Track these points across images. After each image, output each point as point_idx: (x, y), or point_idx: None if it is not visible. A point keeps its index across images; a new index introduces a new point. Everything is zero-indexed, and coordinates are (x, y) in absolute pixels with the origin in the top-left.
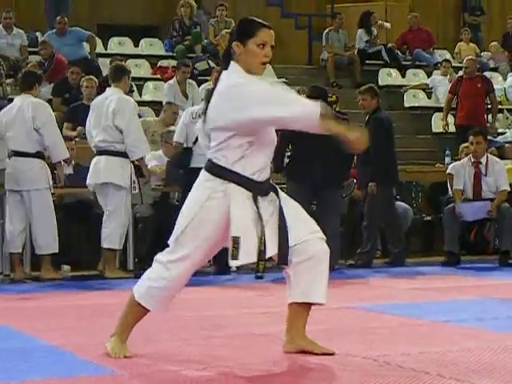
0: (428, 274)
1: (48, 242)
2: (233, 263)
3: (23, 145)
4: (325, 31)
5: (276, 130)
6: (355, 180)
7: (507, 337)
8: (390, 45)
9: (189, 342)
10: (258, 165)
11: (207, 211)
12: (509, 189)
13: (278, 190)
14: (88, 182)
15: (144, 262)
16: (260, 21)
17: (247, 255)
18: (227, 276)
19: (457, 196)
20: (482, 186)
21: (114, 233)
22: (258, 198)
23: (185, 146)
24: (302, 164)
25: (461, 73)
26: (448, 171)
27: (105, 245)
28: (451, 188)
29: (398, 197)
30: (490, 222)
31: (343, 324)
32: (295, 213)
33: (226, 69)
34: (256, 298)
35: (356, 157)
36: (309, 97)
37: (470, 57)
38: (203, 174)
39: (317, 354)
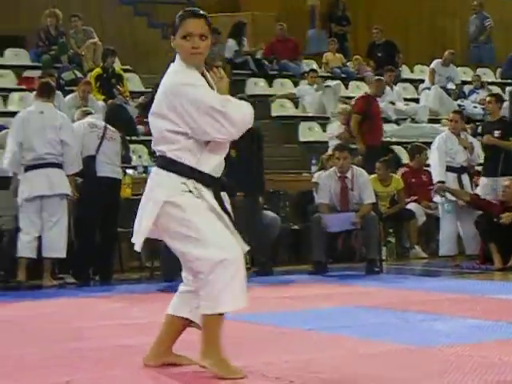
0: (296, 282)
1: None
2: None
3: None
4: None
5: None
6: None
7: (373, 343)
8: (257, 55)
9: (53, 354)
10: (215, 162)
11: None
12: (373, 201)
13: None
14: None
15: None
16: (190, 10)
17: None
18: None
19: (322, 208)
20: (348, 199)
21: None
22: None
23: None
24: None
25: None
26: (314, 180)
27: (50, 254)
28: (317, 195)
29: (265, 206)
30: (357, 231)
31: None
32: None
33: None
34: (121, 309)
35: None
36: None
37: (377, 77)
38: (156, 171)
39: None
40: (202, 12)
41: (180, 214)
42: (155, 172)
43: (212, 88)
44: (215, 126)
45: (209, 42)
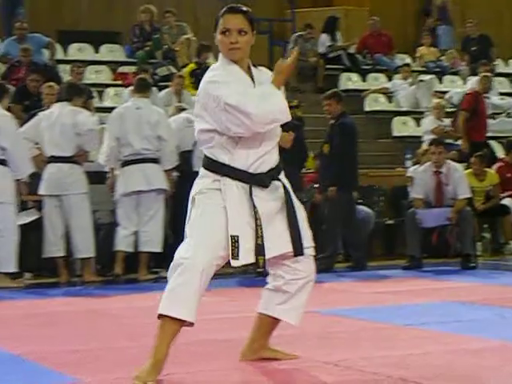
0: (390, 277)
1: (87, 245)
2: (234, 263)
3: (62, 149)
4: (292, 36)
5: None
6: (316, 184)
7: (468, 339)
8: (350, 50)
9: (149, 349)
10: (250, 157)
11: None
12: (468, 195)
13: (286, 183)
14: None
15: (107, 268)
16: (230, 6)
17: (247, 254)
18: None
19: (416, 203)
20: (443, 194)
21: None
22: (256, 189)
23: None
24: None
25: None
26: (409, 174)
27: (146, 248)
28: (412, 190)
29: (360, 201)
30: (452, 226)
31: (305, 329)
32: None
33: None
34: (216, 304)
35: (319, 161)
36: None
37: (484, 74)
38: (200, 171)
39: (279, 359)
40: (242, 8)
41: (193, 211)
42: (200, 171)
43: (254, 83)
44: (234, 122)
45: (249, 37)
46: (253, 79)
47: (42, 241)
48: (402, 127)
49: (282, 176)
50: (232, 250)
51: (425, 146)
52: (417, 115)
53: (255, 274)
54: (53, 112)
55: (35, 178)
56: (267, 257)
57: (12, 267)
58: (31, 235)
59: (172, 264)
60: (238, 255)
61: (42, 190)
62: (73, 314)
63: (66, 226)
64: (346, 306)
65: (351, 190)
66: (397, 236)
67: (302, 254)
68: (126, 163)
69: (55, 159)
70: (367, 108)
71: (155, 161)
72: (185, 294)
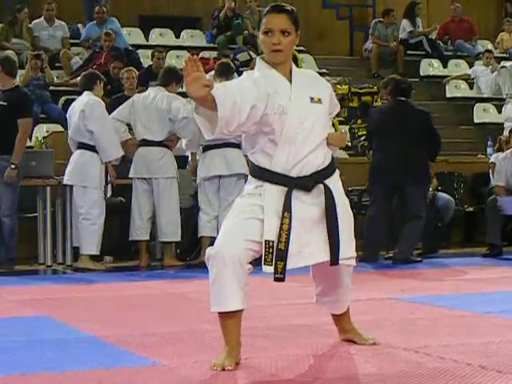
0: (470, 265)
1: (173, 229)
2: (266, 269)
3: (154, 134)
4: (372, 22)
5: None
6: None
7: None
8: (431, 35)
9: None
10: (290, 160)
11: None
12: None
13: (331, 189)
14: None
15: (186, 253)
16: (274, 5)
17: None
18: None
19: (498, 190)
20: None
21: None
22: (299, 192)
23: None
24: (381, 163)
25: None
26: (491, 161)
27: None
28: (493, 177)
29: (440, 188)
30: None
31: (385, 315)
32: (341, 225)
33: None
34: (294, 289)
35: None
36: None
37: None
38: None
39: (358, 344)
40: (286, 7)
41: (230, 211)
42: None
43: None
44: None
45: (292, 38)
46: (291, 82)
47: (126, 225)
48: (483, 114)
49: (331, 179)
50: (265, 255)
51: (506, 133)
52: (498, 102)
53: (274, 279)
54: (148, 96)
55: (125, 162)
56: (297, 265)
57: (94, 250)
58: (112, 220)
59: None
60: (271, 261)
61: (131, 173)
62: (152, 298)
63: (153, 209)
64: (425, 293)
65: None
66: (477, 223)
67: (337, 263)
68: (207, 148)
69: (146, 142)
70: (448, 94)
71: (236, 145)
72: (222, 287)
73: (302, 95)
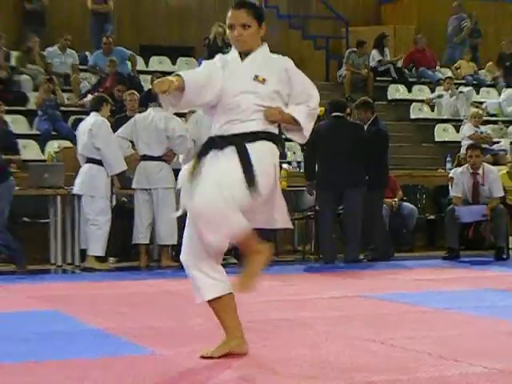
0: (431, 266)
1: (170, 234)
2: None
3: (153, 150)
4: (346, 51)
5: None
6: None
7: (501, 322)
8: (398, 64)
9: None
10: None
11: None
12: (502, 194)
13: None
14: None
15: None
16: (236, 1)
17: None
18: None
19: (455, 201)
20: (479, 193)
21: None
22: (213, 151)
23: None
24: (328, 171)
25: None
26: (450, 175)
27: None
28: (452, 189)
29: (405, 198)
30: (487, 221)
31: (356, 311)
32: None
33: None
34: (277, 287)
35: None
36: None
37: None
38: None
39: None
40: (246, 2)
41: None
42: None
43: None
44: None
45: (253, 30)
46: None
47: (129, 229)
48: (443, 133)
49: (254, 144)
50: None
51: (463, 151)
52: (456, 123)
53: None
54: (147, 116)
55: (127, 174)
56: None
57: (100, 251)
58: (116, 224)
59: None
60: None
61: (134, 184)
62: (151, 295)
63: (152, 216)
64: (392, 292)
65: (383, 189)
66: (437, 230)
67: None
68: None
69: (147, 157)
70: (412, 116)
71: None
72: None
73: (244, 74)
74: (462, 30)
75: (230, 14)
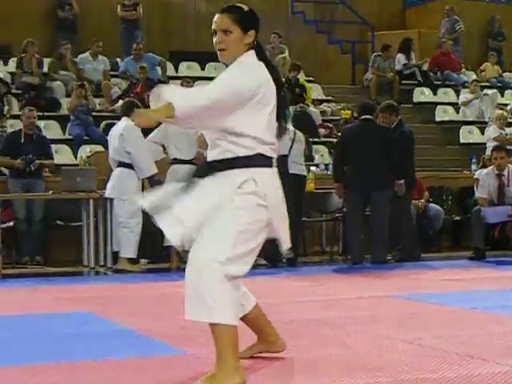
0: (457, 267)
1: None
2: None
3: (184, 153)
4: (372, 55)
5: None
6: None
7: None
8: (423, 67)
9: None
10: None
11: None
12: None
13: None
14: None
15: None
16: (224, 6)
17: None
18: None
19: (481, 202)
20: (505, 194)
21: None
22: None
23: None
24: (355, 173)
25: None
26: (475, 176)
27: None
28: (477, 190)
29: (431, 200)
30: None
31: (384, 310)
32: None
33: None
34: (306, 288)
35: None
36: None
37: None
38: None
39: None
40: (230, 7)
41: None
42: None
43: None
44: None
45: (236, 36)
46: None
47: (160, 231)
48: (468, 135)
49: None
50: None
51: (488, 152)
52: (481, 125)
53: None
54: None
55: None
56: None
57: (132, 253)
58: (147, 227)
59: None
60: None
61: None
62: (182, 295)
63: None
64: (419, 292)
65: (411, 190)
66: (463, 230)
67: None
68: None
69: (178, 161)
70: (437, 118)
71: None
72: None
73: None
74: (456, 31)
75: (214, 19)
